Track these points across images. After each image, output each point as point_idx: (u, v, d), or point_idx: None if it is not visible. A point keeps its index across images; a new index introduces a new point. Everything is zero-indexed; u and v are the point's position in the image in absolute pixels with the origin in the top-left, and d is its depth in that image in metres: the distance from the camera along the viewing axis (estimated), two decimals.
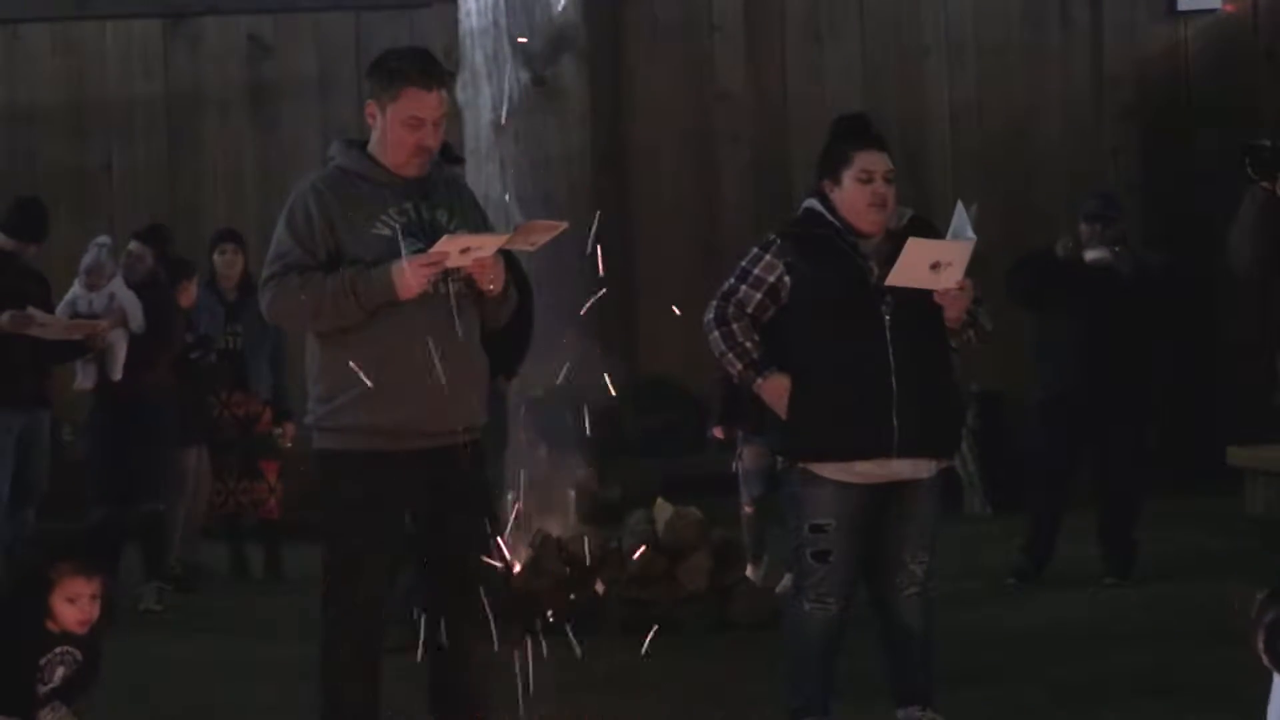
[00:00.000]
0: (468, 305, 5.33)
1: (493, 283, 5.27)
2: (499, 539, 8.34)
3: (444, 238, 5.15)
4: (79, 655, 5.68)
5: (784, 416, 5.83)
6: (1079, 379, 9.25)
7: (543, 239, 5.41)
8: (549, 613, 8.38)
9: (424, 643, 5.51)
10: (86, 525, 9.49)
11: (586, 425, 9.46)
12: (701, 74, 13.24)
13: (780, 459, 6.04)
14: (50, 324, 9.22)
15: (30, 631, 5.61)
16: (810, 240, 5.87)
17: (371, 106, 5.37)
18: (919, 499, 5.86)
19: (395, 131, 5.30)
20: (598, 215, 7.60)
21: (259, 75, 13.21)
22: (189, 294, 10.16)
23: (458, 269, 5.20)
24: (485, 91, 9.63)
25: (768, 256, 5.88)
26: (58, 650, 5.65)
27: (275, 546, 10.61)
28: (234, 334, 10.45)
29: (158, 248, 9.98)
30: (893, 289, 5.74)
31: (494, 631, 5.59)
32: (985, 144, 13.17)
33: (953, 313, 5.79)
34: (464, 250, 5.15)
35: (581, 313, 7.75)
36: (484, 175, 9.42)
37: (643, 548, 8.52)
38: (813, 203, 5.94)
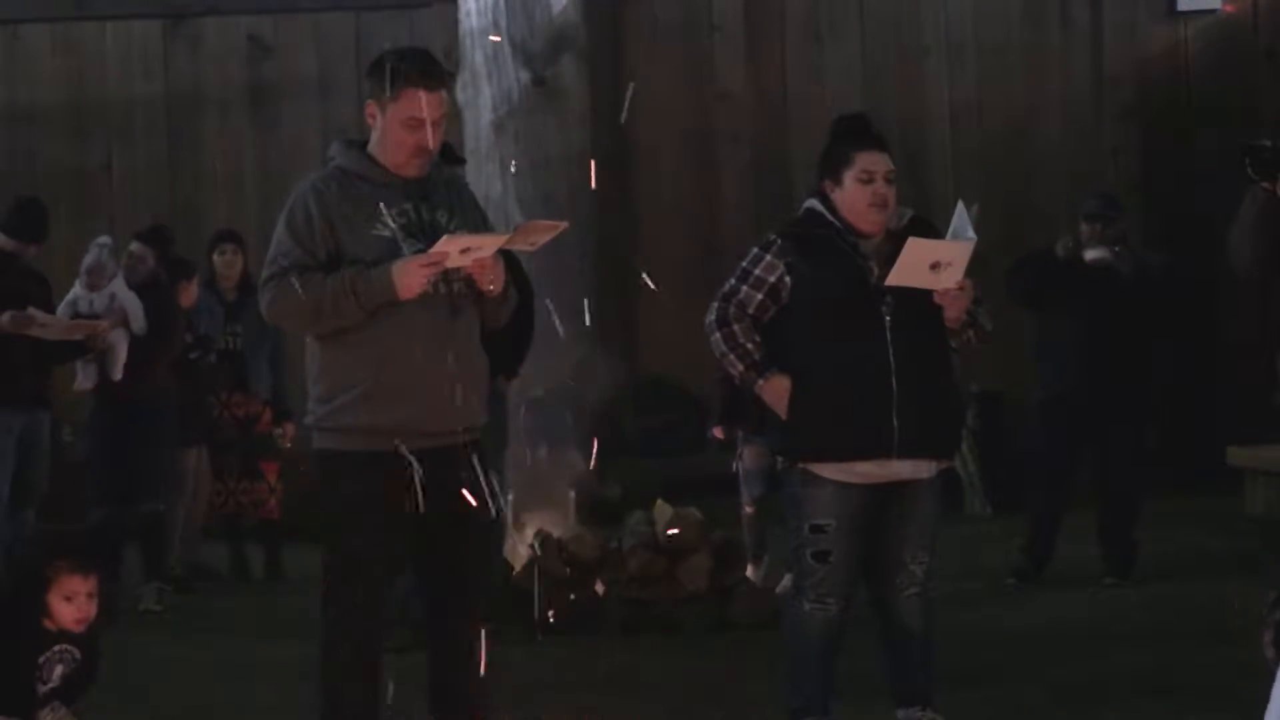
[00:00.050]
0: (468, 306, 5.32)
1: (493, 283, 5.27)
2: (499, 538, 8.39)
3: (444, 238, 5.15)
4: (77, 654, 5.69)
5: (785, 418, 5.83)
6: (1079, 379, 9.25)
7: (542, 239, 5.40)
8: (549, 613, 8.39)
9: (424, 643, 5.51)
10: (87, 525, 9.49)
11: (586, 425, 9.48)
12: (701, 74, 13.23)
13: (780, 459, 6.04)
14: (51, 324, 9.21)
15: (28, 630, 5.61)
16: (811, 240, 5.87)
17: (371, 107, 5.37)
18: (919, 499, 5.86)
19: (395, 132, 5.29)
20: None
21: (259, 76, 13.20)
22: (189, 294, 10.17)
23: (458, 269, 5.20)
24: (485, 92, 9.64)
25: (768, 257, 5.88)
26: (56, 649, 5.65)
27: (275, 547, 10.61)
28: (233, 334, 10.45)
29: (159, 248, 9.98)
30: (893, 289, 5.74)
31: (494, 631, 5.59)
32: (985, 144, 13.17)
33: (952, 313, 5.79)
34: (464, 250, 5.15)
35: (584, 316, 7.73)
36: (484, 175, 9.43)
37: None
38: (813, 203, 5.95)
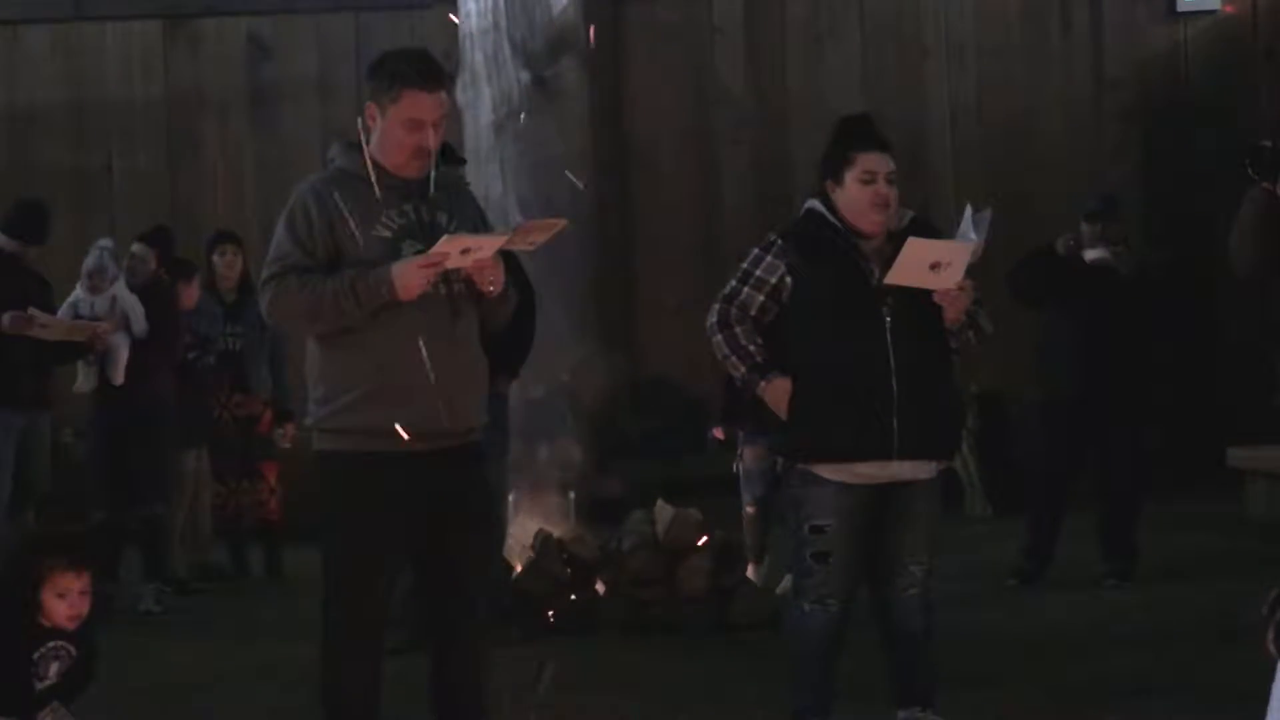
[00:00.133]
0: (467, 306, 5.32)
1: (492, 283, 5.26)
2: (499, 540, 8.39)
3: (444, 239, 5.14)
4: (72, 650, 5.69)
5: (786, 419, 5.83)
6: (1079, 379, 9.24)
7: (541, 238, 5.40)
8: (549, 613, 8.40)
9: (424, 644, 5.51)
10: (87, 527, 9.49)
11: (586, 425, 9.48)
12: (702, 75, 13.24)
13: (780, 460, 6.04)
14: (51, 325, 9.22)
15: (21, 626, 5.61)
16: (811, 241, 5.87)
17: (371, 108, 5.36)
18: (919, 500, 5.86)
19: (395, 133, 5.29)
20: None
21: (259, 77, 13.21)
22: (190, 296, 10.17)
23: (457, 270, 5.20)
24: (485, 92, 9.64)
25: (769, 258, 5.88)
26: (50, 645, 5.65)
27: (275, 548, 10.62)
28: (233, 335, 10.45)
29: (161, 250, 9.98)
30: (894, 290, 5.73)
31: (494, 632, 5.59)
32: (985, 144, 13.18)
33: (952, 313, 5.79)
34: (464, 251, 5.14)
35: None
36: (484, 176, 9.43)
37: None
38: (814, 203, 5.94)
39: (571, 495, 9.07)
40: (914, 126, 12.81)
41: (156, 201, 12.82)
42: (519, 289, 5.97)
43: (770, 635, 7.50)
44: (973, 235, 5.77)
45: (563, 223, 5.47)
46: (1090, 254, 9.25)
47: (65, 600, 5.64)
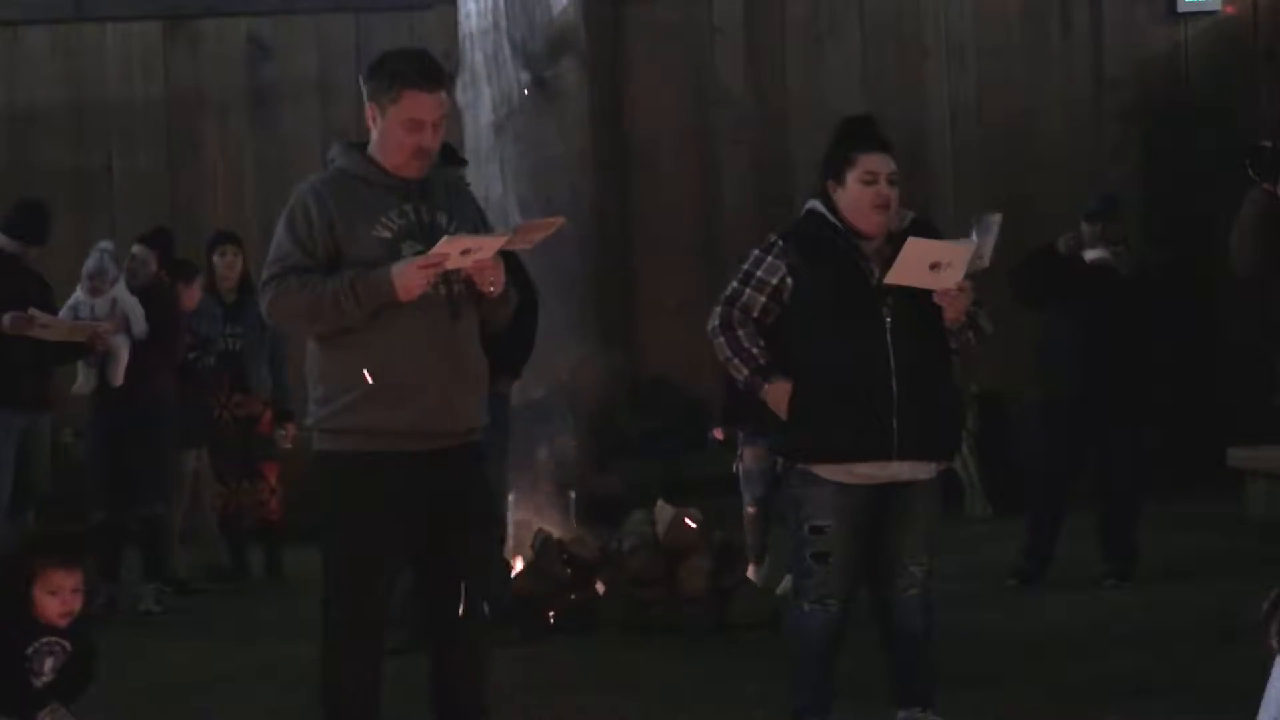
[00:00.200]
0: (468, 307, 5.32)
1: (493, 284, 5.27)
2: (499, 540, 8.39)
3: (444, 239, 5.15)
4: (67, 645, 5.69)
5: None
6: (1079, 380, 9.24)
7: (540, 237, 5.40)
8: (549, 613, 8.40)
9: (424, 644, 5.51)
10: (87, 527, 9.49)
11: (586, 425, 9.48)
12: (702, 75, 13.25)
13: (780, 460, 6.04)
14: (52, 326, 9.22)
15: (14, 622, 5.61)
16: (812, 241, 5.87)
17: (371, 108, 5.36)
18: (919, 500, 5.86)
19: (395, 133, 5.29)
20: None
21: (259, 77, 13.21)
22: (191, 297, 10.16)
23: (457, 271, 5.20)
24: (485, 93, 9.64)
25: (769, 258, 5.88)
26: (44, 640, 5.65)
27: (276, 548, 10.62)
28: (233, 335, 10.45)
29: (162, 251, 9.97)
30: (894, 291, 5.73)
31: (494, 632, 5.59)
32: (985, 145, 13.18)
33: (952, 313, 5.78)
34: (464, 252, 5.14)
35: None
36: (484, 177, 9.42)
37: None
38: (815, 204, 5.94)
39: (571, 495, 9.07)
40: (914, 126, 12.81)
41: (156, 202, 12.82)
42: (521, 289, 5.97)
43: (770, 635, 7.49)
44: (974, 237, 5.76)
45: (560, 220, 5.48)
46: (1090, 254, 9.25)
47: (57, 597, 5.64)
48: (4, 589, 5.67)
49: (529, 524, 8.93)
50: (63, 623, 5.66)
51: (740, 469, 9.40)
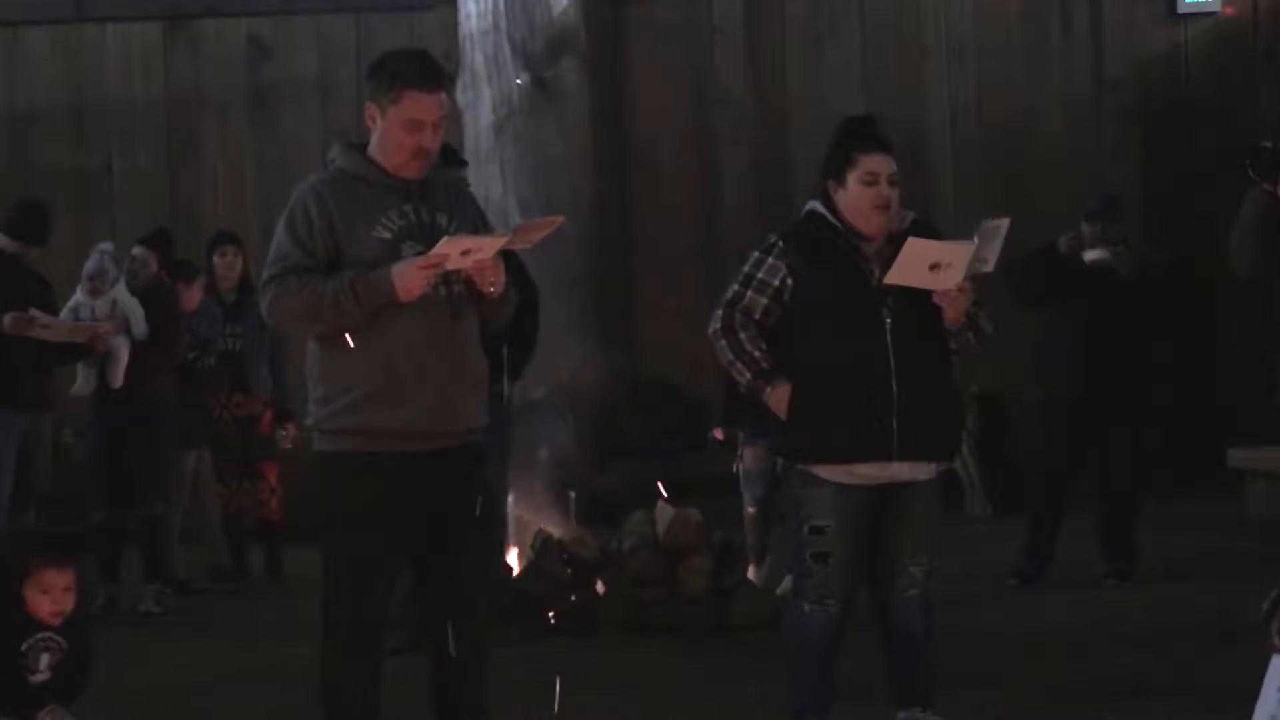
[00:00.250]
0: (468, 307, 5.32)
1: (493, 284, 5.27)
2: (499, 540, 8.39)
3: (444, 240, 5.15)
4: (62, 642, 5.69)
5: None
6: (1079, 380, 9.24)
7: (539, 236, 5.40)
8: (549, 614, 8.40)
9: (424, 644, 5.51)
10: (87, 527, 9.50)
11: (586, 425, 9.48)
12: (702, 75, 13.25)
13: (780, 460, 6.04)
14: (52, 326, 9.22)
15: (7, 619, 5.62)
16: (812, 242, 5.87)
17: (371, 109, 5.36)
18: (919, 501, 5.86)
19: (395, 134, 5.29)
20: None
21: (259, 77, 13.21)
22: (193, 298, 10.16)
23: (458, 271, 5.20)
24: (485, 93, 9.64)
25: (770, 259, 5.87)
26: (38, 636, 5.66)
27: (276, 548, 10.62)
28: (233, 336, 10.44)
29: (162, 252, 9.97)
30: (894, 292, 5.73)
31: (494, 632, 5.59)
32: (985, 145, 13.18)
33: (951, 314, 5.78)
34: (464, 252, 5.14)
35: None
36: (484, 177, 9.43)
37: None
38: (815, 204, 5.94)
39: (571, 496, 9.07)
40: (914, 126, 12.81)
41: (156, 202, 12.83)
42: (522, 289, 5.96)
43: (770, 636, 7.49)
44: (975, 239, 5.74)
45: (560, 219, 5.48)
46: (1090, 255, 9.24)
47: (49, 596, 5.65)
48: None
49: (529, 524, 8.93)
50: (55, 621, 5.67)
51: (740, 469, 9.40)
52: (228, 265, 10.58)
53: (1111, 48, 13.31)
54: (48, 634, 5.68)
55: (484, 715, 5.50)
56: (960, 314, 5.79)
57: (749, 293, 5.86)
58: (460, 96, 9.57)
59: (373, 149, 5.36)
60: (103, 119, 13.17)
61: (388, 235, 5.25)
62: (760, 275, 5.86)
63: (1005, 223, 5.78)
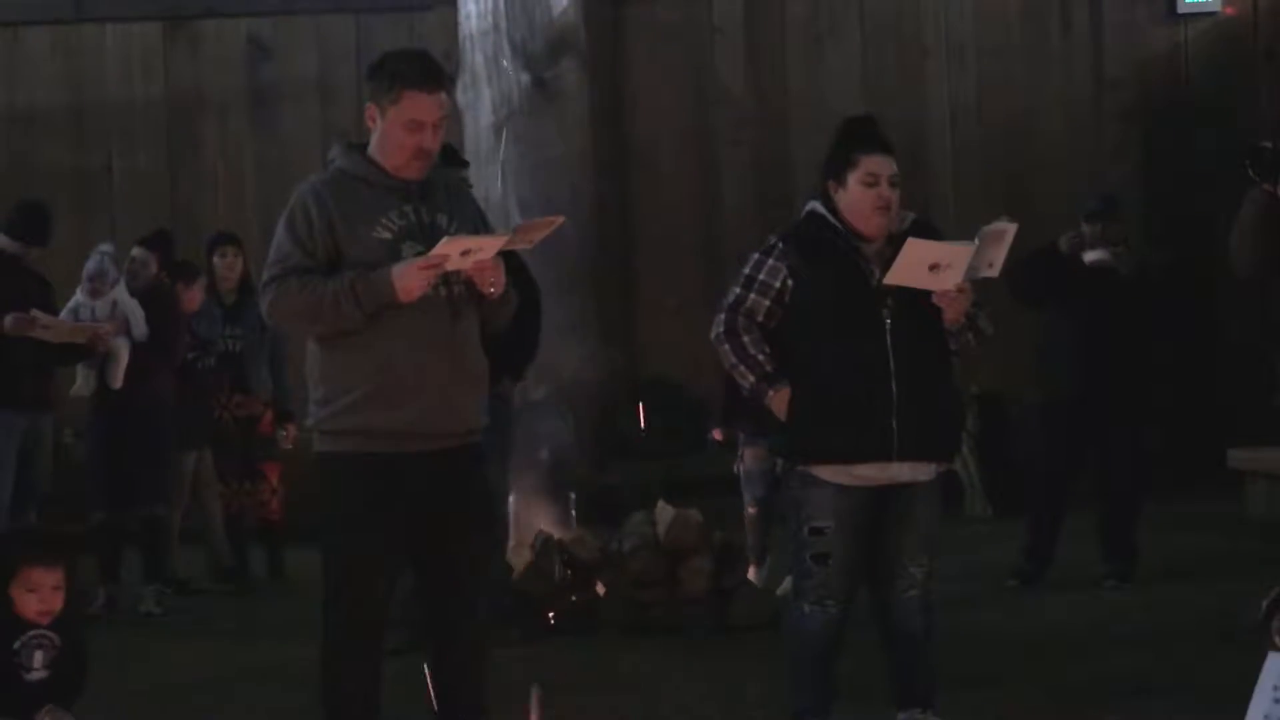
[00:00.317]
0: (468, 308, 5.32)
1: (493, 285, 5.27)
2: (499, 540, 8.39)
3: (444, 240, 5.15)
4: (55, 639, 5.68)
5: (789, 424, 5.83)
6: (1079, 380, 9.24)
7: (540, 236, 5.40)
8: (549, 614, 8.40)
9: (425, 645, 5.51)
10: (87, 528, 9.51)
11: (587, 426, 9.48)
12: (702, 76, 13.25)
13: (780, 461, 6.04)
14: (53, 327, 9.22)
15: None
16: (812, 242, 5.86)
17: (372, 109, 5.36)
18: (918, 502, 5.86)
19: (395, 134, 5.29)
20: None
21: (259, 78, 13.21)
22: (194, 298, 10.16)
23: (458, 272, 5.20)
24: (486, 94, 9.65)
25: (770, 261, 5.87)
26: (29, 634, 5.65)
27: (277, 548, 10.61)
28: (233, 336, 10.43)
29: (162, 253, 9.97)
30: (894, 292, 5.73)
31: (494, 632, 5.59)
32: (985, 145, 13.18)
33: (951, 315, 5.78)
34: (464, 252, 5.14)
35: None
36: (484, 178, 9.44)
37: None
38: (815, 205, 5.94)
39: (572, 496, 9.07)
40: (914, 126, 12.81)
41: (156, 203, 12.83)
42: (524, 289, 5.96)
43: (771, 636, 7.49)
44: (977, 241, 5.73)
45: (560, 219, 5.47)
46: (1089, 256, 9.24)
47: (36, 595, 5.64)
48: None
49: (529, 524, 8.93)
50: (43, 620, 5.66)
51: (741, 470, 9.40)
52: (228, 266, 10.57)
53: (1111, 48, 13.31)
54: (39, 632, 5.67)
55: (484, 715, 5.50)
56: (960, 315, 5.79)
57: (751, 295, 5.86)
58: (460, 97, 9.57)
59: (373, 149, 5.36)
60: (103, 119, 13.17)
61: (388, 236, 5.25)
62: (761, 277, 5.85)
63: (1012, 227, 5.74)
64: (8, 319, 9.00)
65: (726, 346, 5.86)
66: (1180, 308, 10.44)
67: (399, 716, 5.74)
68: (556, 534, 8.75)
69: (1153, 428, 9.87)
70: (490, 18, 9.64)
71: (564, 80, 9.74)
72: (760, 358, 5.83)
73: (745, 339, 5.84)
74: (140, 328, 9.45)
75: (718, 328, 5.88)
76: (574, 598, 8.48)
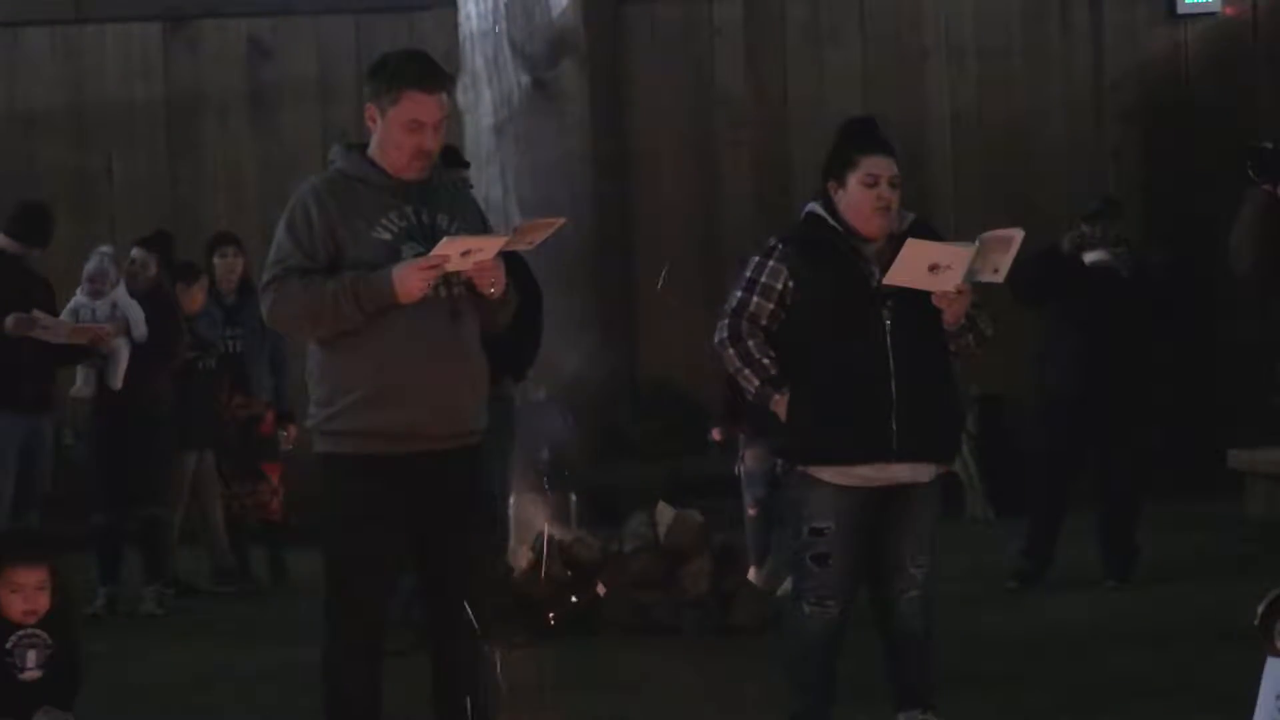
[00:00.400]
0: (468, 309, 5.32)
1: (493, 286, 5.26)
2: (499, 541, 8.39)
3: (444, 240, 5.14)
4: (46, 638, 5.67)
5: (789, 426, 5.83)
6: (1080, 381, 9.24)
7: (541, 237, 5.40)
8: (550, 615, 8.40)
9: (425, 646, 5.51)
10: (88, 529, 9.51)
11: (587, 426, 9.48)
12: (702, 76, 13.25)
13: (780, 462, 6.04)
14: (54, 327, 9.22)
15: None
16: (812, 244, 5.86)
17: (371, 110, 5.36)
18: (918, 502, 5.86)
19: (395, 135, 5.28)
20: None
21: (259, 78, 13.21)
22: (195, 299, 10.15)
23: (458, 272, 5.20)
24: (486, 95, 9.65)
25: (772, 262, 5.86)
26: (20, 635, 5.64)
27: (278, 549, 10.61)
28: (234, 337, 10.43)
29: (161, 255, 9.97)
30: (894, 293, 5.72)
31: (495, 634, 5.58)
32: (986, 146, 13.18)
33: (950, 316, 5.77)
34: (464, 253, 5.14)
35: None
36: (484, 178, 9.44)
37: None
38: (814, 206, 5.93)
39: (572, 497, 9.07)
40: (914, 128, 12.80)
41: (156, 203, 12.83)
42: (525, 290, 5.95)
43: (771, 637, 7.50)
44: (978, 243, 5.72)
45: (561, 220, 5.46)
46: (1089, 257, 9.24)
47: (20, 595, 5.63)
48: None
49: (529, 525, 8.93)
50: (29, 620, 5.64)
51: (742, 470, 9.40)
52: (228, 266, 10.57)
53: (1111, 48, 13.31)
54: (29, 631, 5.66)
55: (485, 716, 5.50)
56: (959, 315, 5.79)
57: (754, 298, 5.84)
58: (461, 98, 9.58)
59: (373, 150, 5.36)
60: (103, 119, 13.17)
61: (388, 236, 5.24)
62: (763, 279, 5.84)
63: (1019, 234, 5.71)
64: (9, 320, 9.00)
65: (731, 351, 5.84)
66: (1180, 308, 10.44)
67: (400, 717, 5.73)
68: (557, 534, 8.75)
69: (1153, 428, 9.87)
70: (490, 18, 9.65)
71: (564, 80, 9.75)
72: (765, 362, 5.82)
73: (750, 343, 5.83)
74: (140, 329, 9.45)
75: (721, 333, 5.87)
76: (574, 598, 8.48)
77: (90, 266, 9.56)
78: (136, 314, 9.46)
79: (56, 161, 13.05)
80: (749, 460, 9.31)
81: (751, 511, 9.35)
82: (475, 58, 9.70)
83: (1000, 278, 5.76)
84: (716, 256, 12.54)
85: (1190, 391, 12.28)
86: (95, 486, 9.60)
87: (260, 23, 13.22)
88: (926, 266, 5.65)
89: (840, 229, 5.84)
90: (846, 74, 13.15)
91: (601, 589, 8.52)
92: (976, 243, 5.70)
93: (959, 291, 5.71)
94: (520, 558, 8.72)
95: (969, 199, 12.81)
